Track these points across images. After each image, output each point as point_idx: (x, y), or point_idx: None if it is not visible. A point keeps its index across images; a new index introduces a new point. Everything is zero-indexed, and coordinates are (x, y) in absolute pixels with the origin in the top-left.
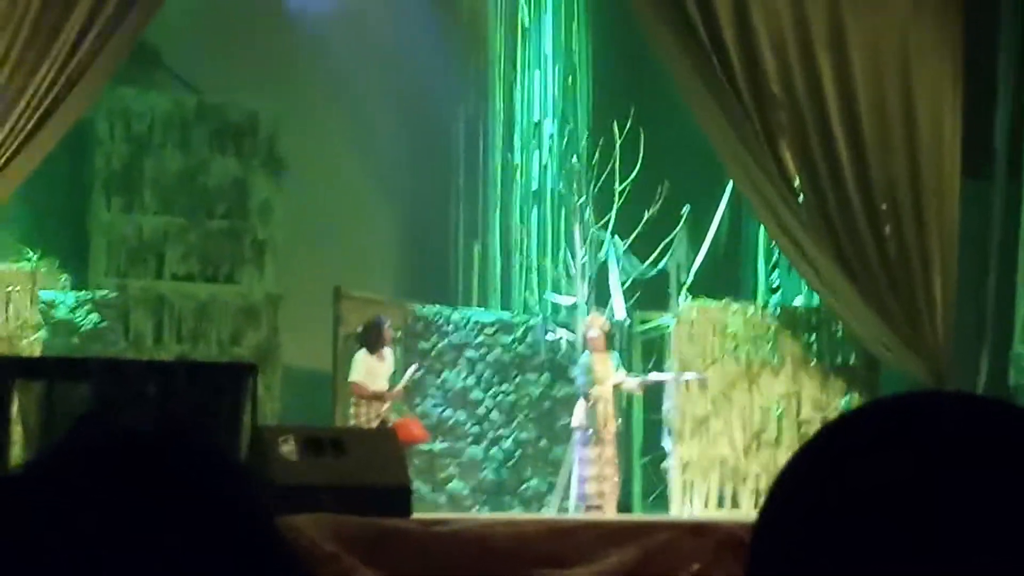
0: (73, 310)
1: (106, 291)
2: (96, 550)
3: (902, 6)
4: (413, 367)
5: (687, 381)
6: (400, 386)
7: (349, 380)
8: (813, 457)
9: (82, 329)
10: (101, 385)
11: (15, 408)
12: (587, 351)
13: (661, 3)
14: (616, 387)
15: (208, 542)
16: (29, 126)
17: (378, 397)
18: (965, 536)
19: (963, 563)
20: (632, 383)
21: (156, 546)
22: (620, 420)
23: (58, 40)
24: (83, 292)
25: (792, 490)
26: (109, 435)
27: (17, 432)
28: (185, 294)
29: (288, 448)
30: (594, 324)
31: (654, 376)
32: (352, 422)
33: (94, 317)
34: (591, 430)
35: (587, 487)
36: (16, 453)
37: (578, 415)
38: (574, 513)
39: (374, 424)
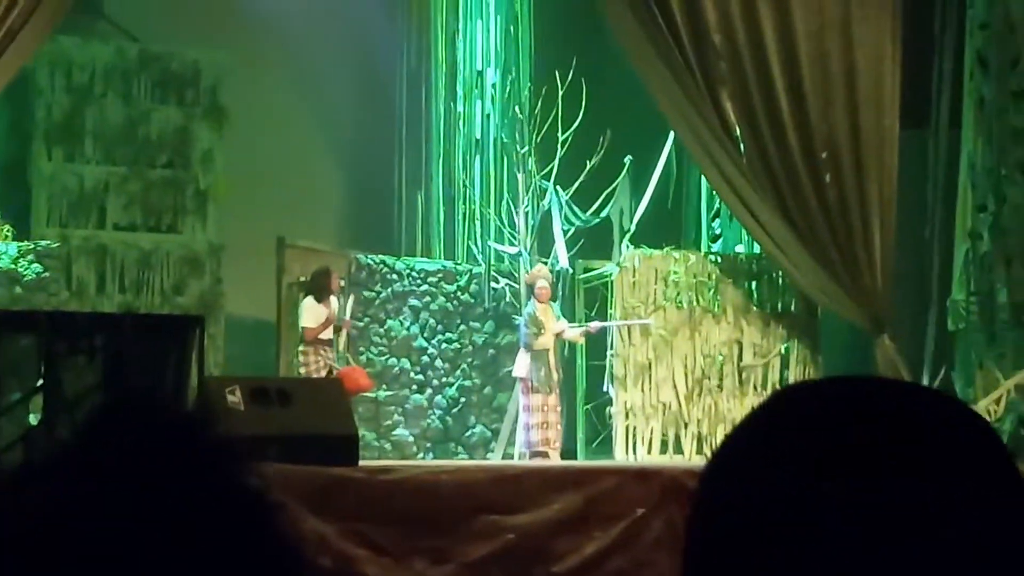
0: (15, 260)
1: (48, 241)
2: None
3: None
4: (352, 298)
5: (629, 328)
6: (348, 316)
7: (301, 326)
8: (764, 420)
9: (25, 279)
10: (48, 337)
11: None
12: (532, 302)
13: None
14: (558, 336)
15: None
16: None
17: (328, 341)
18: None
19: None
20: (574, 332)
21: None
22: (562, 369)
23: None
24: (25, 242)
25: (741, 446)
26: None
27: None
28: (127, 244)
29: (235, 399)
30: (540, 275)
31: (595, 324)
32: (302, 370)
33: (37, 267)
34: (535, 380)
35: (532, 434)
36: None
37: (521, 365)
38: (519, 460)
39: (323, 372)
